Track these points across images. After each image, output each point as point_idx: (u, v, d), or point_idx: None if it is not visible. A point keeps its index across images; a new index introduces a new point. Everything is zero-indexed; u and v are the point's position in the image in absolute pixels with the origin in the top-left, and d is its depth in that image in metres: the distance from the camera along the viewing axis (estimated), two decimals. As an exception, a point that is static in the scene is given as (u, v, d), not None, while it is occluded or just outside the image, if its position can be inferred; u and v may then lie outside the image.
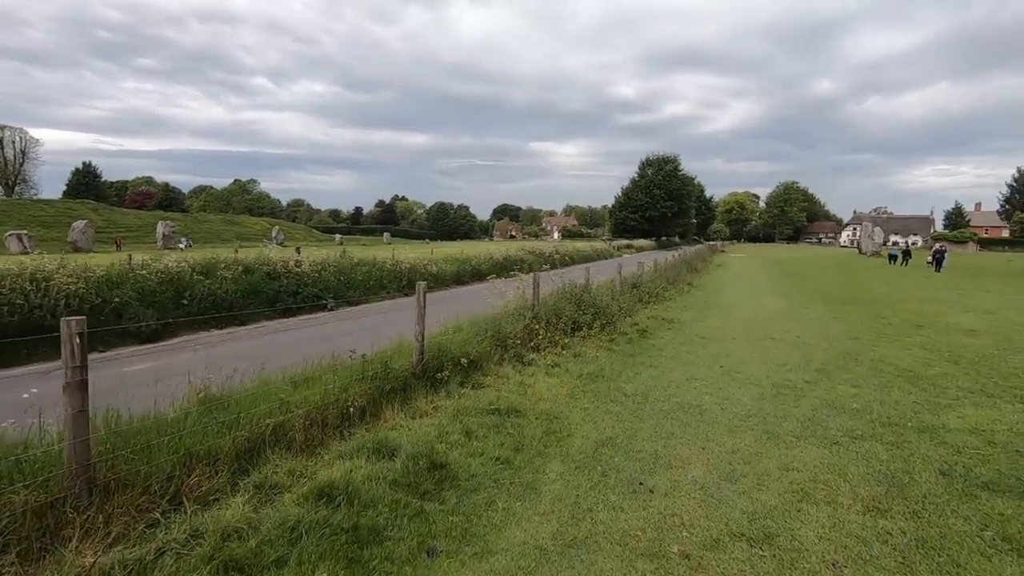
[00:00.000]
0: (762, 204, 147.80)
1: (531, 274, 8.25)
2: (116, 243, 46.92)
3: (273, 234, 67.70)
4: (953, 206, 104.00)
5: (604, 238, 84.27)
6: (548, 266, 24.18)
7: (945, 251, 35.76)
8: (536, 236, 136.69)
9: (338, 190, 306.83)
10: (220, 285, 12.61)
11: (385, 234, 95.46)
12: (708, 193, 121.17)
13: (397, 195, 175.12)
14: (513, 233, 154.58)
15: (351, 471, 3.67)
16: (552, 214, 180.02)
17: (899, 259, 38.27)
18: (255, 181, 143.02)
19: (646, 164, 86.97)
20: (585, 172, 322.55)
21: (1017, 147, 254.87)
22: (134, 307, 10.53)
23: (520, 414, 5.20)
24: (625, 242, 67.87)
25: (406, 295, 18.77)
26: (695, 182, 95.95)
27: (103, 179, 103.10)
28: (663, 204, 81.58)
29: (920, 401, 5.97)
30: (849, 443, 4.65)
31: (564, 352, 7.78)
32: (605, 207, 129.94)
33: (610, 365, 7.46)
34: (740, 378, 6.98)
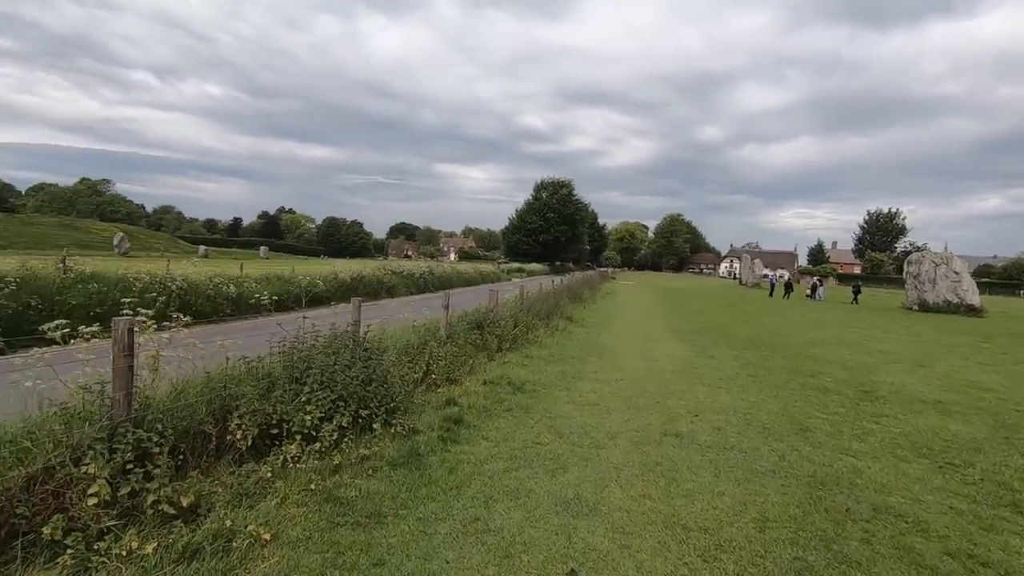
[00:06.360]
0: (651, 234, 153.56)
1: (123, 320, 3.19)
2: None
3: (116, 241, 56.33)
4: (815, 244, 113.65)
5: (498, 261, 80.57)
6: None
7: (821, 283, 36.16)
8: (432, 256, 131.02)
9: (227, 200, 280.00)
10: None
11: (262, 248, 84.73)
12: (602, 221, 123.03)
13: (283, 207, 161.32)
14: (409, 252, 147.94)
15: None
16: (452, 235, 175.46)
17: (782, 291, 37.85)
18: (108, 181, 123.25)
19: (541, 187, 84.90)
20: (492, 196, 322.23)
21: (857, 196, 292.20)
22: None
23: None
24: (517, 265, 64.34)
25: (188, 325, 12.90)
26: (589, 209, 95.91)
27: None
28: (557, 228, 79.65)
29: None
30: None
31: (166, 556, 2.80)
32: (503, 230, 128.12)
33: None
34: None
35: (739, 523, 3.68)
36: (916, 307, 28.37)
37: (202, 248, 69.79)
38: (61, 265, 12.27)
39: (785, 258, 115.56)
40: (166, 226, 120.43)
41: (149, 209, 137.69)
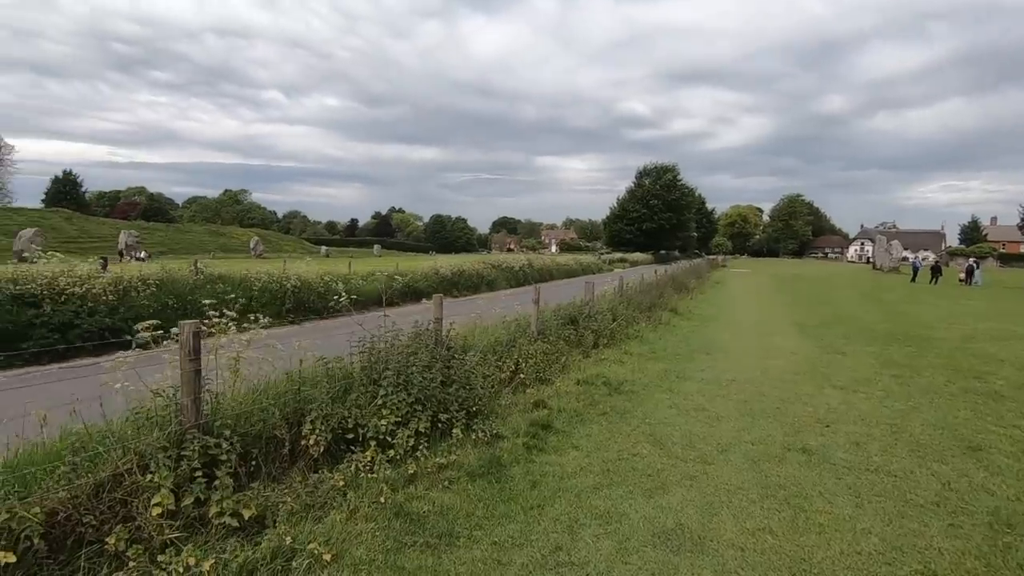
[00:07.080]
0: (766, 218, 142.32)
1: (188, 323, 3.07)
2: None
3: (252, 244, 63.29)
4: (969, 220, 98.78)
5: (599, 251, 78.90)
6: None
7: (978, 265, 31.11)
8: (534, 249, 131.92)
9: (345, 203, 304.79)
10: None
11: (376, 246, 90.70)
12: (710, 206, 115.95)
13: (394, 207, 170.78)
14: (511, 246, 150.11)
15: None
16: (552, 227, 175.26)
17: (928, 276, 33.07)
18: (246, 191, 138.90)
19: (643, 173, 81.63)
20: (593, 187, 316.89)
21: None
22: None
23: None
24: (619, 255, 62.41)
25: (293, 323, 13.74)
26: (695, 193, 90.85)
27: (90, 190, 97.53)
28: (661, 215, 76.21)
29: None
30: None
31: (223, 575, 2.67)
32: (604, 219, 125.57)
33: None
34: None
35: (894, 577, 2.89)
36: (1113, 291, 23.46)
37: (323, 248, 75.93)
38: (193, 268, 13.57)
39: (930, 238, 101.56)
40: (293, 229, 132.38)
41: (280, 215, 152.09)
